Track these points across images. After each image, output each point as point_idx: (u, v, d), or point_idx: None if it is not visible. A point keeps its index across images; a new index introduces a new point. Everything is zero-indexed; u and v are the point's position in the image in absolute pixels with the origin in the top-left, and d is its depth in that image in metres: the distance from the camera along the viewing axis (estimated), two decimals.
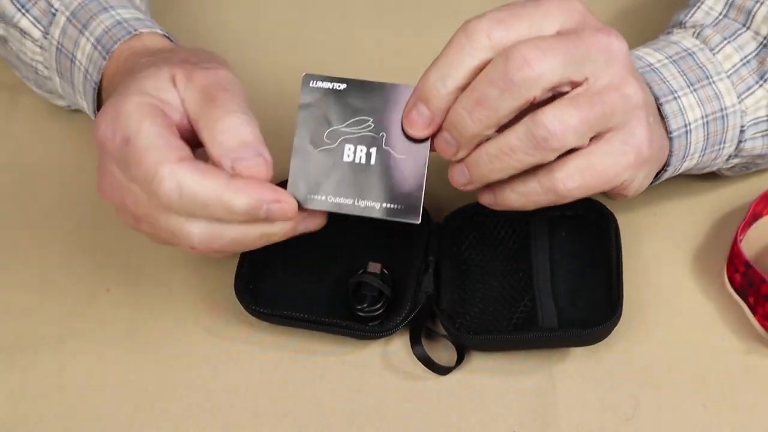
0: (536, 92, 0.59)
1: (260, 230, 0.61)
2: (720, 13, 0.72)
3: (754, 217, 0.74)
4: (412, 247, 0.71)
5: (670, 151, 0.68)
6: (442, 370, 0.68)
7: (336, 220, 0.65)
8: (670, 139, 0.68)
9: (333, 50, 0.86)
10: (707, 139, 0.69)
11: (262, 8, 0.89)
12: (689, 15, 0.72)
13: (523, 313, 0.69)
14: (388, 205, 0.61)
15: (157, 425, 0.66)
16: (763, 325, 0.69)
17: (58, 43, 0.72)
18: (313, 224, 0.64)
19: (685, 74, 0.69)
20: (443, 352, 0.69)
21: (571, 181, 0.61)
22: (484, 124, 0.60)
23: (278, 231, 0.62)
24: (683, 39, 0.71)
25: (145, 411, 0.67)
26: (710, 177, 0.76)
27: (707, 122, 0.69)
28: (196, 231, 0.61)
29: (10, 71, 0.84)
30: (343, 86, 0.62)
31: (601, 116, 0.60)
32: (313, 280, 0.71)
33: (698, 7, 0.72)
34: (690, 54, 0.70)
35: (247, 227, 0.61)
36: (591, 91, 0.60)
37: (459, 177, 0.63)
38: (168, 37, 0.72)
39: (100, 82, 0.70)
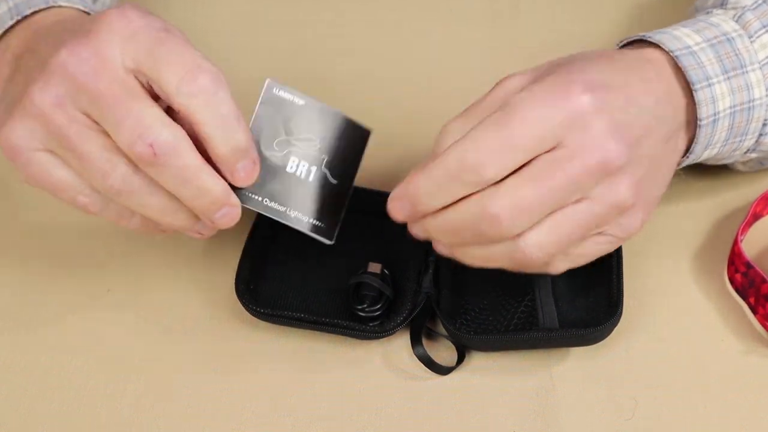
0: (510, 237, 0.60)
1: (203, 181, 0.60)
2: None
3: (755, 217, 0.74)
4: (411, 247, 0.71)
5: (696, 140, 0.67)
6: (442, 370, 0.68)
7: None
8: (699, 127, 0.66)
9: (332, 50, 0.86)
10: (731, 129, 0.68)
11: (257, 9, 0.89)
12: None
13: (524, 313, 0.69)
14: (314, 221, 0.65)
15: (157, 426, 0.66)
16: (763, 326, 0.69)
17: None
18: (229, 217, 0.62)
19: (721, 60, 0.67)
20: (444, 352, 0.69)
21: (537, 254, 0.61)
22: (459, 243, 0.63)
23: (211, 197, 0.61)
24: (723, 22, 0.69)
25: (145, 411, 0.67)
26: (710, 176, 0.76)
27: (734, 112, 0.67)
28: (167, 134, 0.58)
29: None
30: (302, 102, 0.65)
31: (582, 235, 0.62)
32: (313, 280, 0.71)
33: None
34: (729, 39, 0.68)
35: (203, 168, 0.60)
36: (577, 212, 0.60)
37: (441, 250, 0.65)
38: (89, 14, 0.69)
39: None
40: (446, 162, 0.60)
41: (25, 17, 0.67)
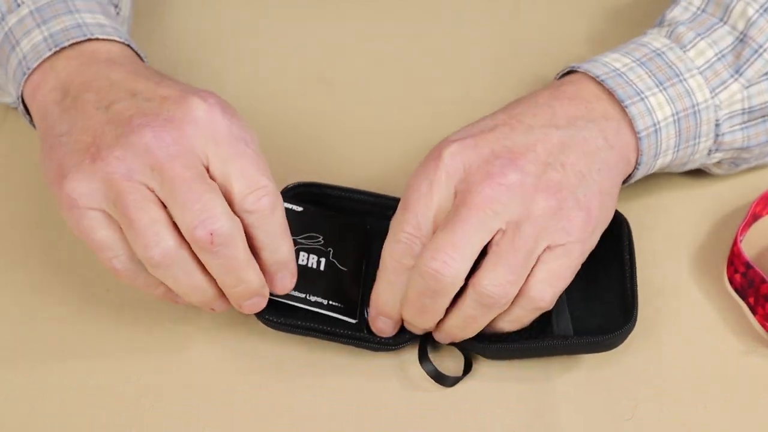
0: (459, 284, 0.64)
1: (245, 274, 0.64)
2: (698, 8, 0.72)
3: (754, 217, 0.74)
4: None
5: (640, 151, 0.68)
6: (448, 382, 0.67)
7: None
8: (639, 139, 0.68)
9: (331, 51, 0.86)
10: (679, 135, 0.70)
11: (259, 10, 0.89)
12: (669, 12, 0.73)
13: (537, 321, 0.68)
14: (333, 303, 0.69)
15: (157, 426, 0.66)
16: (762, 326, 0.69)
17: (9, 29, 0.71)
18: (254, 305, 0.67)
19: (653, 74, 0.69)
20: (450, 362, 0.69)
21: (546, 293, 0.65)
22: (433, 320, 0.66)
23: (247, 285, 0.65)
24: (653, 40, 0.71)
25: (145, 412, 0.67)
26: (709, 177, 0.76)
27: (678, 119, 0.69)
28: (229, 227, 0.62)
29: None
30: (300, 209, 0.71)
31: (528, 252, 0.63)
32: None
33: (678, 2, 0.73)
34: (659, 54, 0.70)
35: (249, 262, 0.64)
36: (508, 237, 0.63)
37: (445, 340, 0.68)
38: (129, 46, 0.71)
39: (34, 70, 0.69)
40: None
41: (63, 48, 0.69)
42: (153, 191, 0.62)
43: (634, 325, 0.66)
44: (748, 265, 0.70)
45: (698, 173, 0.76)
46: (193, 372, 0.69)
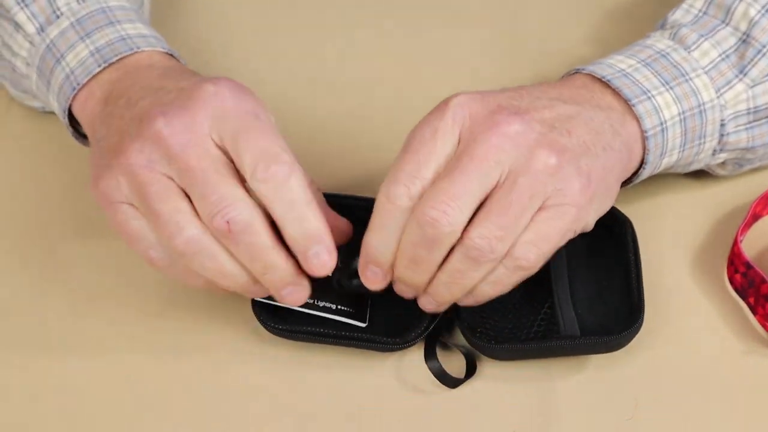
0: (456, 235, 0.62)
1: (273, 259, 0.63)
2: (700, 11, 0.72)
3: (755, 217, 0.74)
4: None
5: (647, 149, 0.68)
6: (452, 383, 0.67)
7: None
8: (646, 138, 0.68)
9: (331, 52, 0.86)
10: (685, 134, 0.70)
11: (261, 10, 0.89)
12: (672, 14, 0.73)
13: (544, 321, 0.68)
14: (342, 307, 0.68)
15: (156, 426, 0.66)
16: (763, 326, 0.69)
17: (51, 42, 0.72)
18: (295, 296, 0.65)
19: (659, 74, 0.69)
20: (453, 364, 0.68)
21: (530, 254, 0.63)
22: (427, 274, 0.64)
23: (279, 274, 0.64)
24: (657, 42, 0.71)
25: (145, 412, 0.67)
26: (709, 177, 0.76)
27: (684, 118, 0.69)
28: (247, 214, 0.62)
29: None
30: None
31: (522, 208, 0.62)
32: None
33: (680, 6, 0.73)
34: (663, 55, 0.70)
35: (273, 247, 0.63)
36: (503, 191, 0.62)
37: (429, 306, 0.67)
38: (171, 54, 0.72)
39: (84, 86, 0.70)
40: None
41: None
42: (175, 181, 0.63)
43: (641, 325, 0.66)
44: (748, 265, 0.70)
45: (698, 173, 0.76)
46: (194, 372, 0.69)
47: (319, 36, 0.87)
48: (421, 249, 0.63)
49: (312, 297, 0.68)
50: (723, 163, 0.74)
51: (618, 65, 0.70)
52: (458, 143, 0.63)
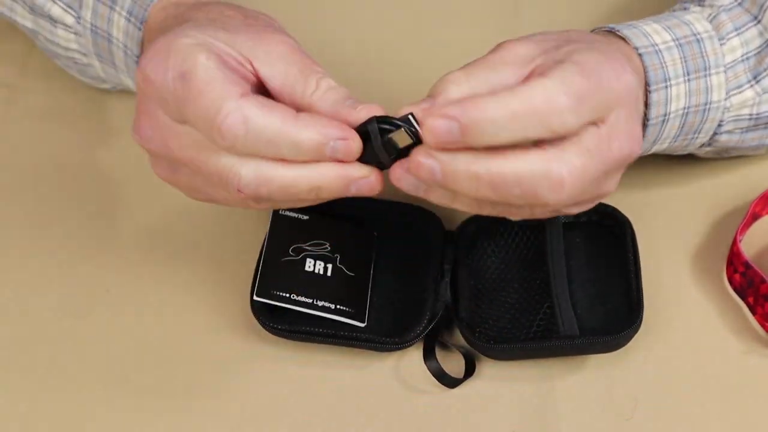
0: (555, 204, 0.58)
1: (310, 180, 0.58)
2: (735, 0, 0.70)
3: (754, 217, 0.74)
4: (427, 257, 0.71)
5: (644, 135, 0.67)
6: (451, 383, 0.67)
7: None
8: (646, 126, 0.67)
9: (331, 51, 0.86)
10: (682, 127, 0.69)
11: (265, 8, 0.89)
12: None
13: (543, 321, 0.68)
14: (341, 307, 0.68)
15: (156, 426, 0.66)
16: (762, 326, 0.69)
17: (92, 25, 0.71)
18: (367, 187, 0.59)
19: (686, 61, 0.67)
20: (452, 363, 0.69)
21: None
22: (488, 196, 0.58)
23: (328, 184, 0.58)
24: (696, 21, 0.69)
25: (145, 413, 0.67)
26: (709, 176, 0.76)
27: (687, 113, 0.68)
28: (245, 172, 0.58)
29: (10, 70, 0.84)
30: (306, 217, 0.72)
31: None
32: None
33: None
34: (699, 40, 0.68)
35: (299, 174, 0.58)
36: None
37: (432, 197, 0.60)
38: None
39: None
40: (532, 97, 0.56)
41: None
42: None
43: (640, 324, 0.66)
44: (747, 265, 0.70)
45: (698, 173, 0.76)
46: (194, 372, 0.69)
47: (316, 34, 0.87)
48: (517, 189, 0.57)
49: (311, 297, 0.68)
50: (703, 152, 0.74)
51: (653, 36, 0.67)
52: (599, 120, 0.60)
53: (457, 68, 0.61)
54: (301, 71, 0.61)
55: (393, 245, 0.72)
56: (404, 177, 0.59)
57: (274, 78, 0.61)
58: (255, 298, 0.68)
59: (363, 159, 0.59)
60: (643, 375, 0.68)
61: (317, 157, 0.58)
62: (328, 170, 0.59)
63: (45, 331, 0.70)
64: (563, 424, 0.66)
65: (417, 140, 0.58)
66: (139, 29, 0.69)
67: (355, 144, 0.58)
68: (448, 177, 0.58)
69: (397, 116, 0.58)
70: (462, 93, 0.59)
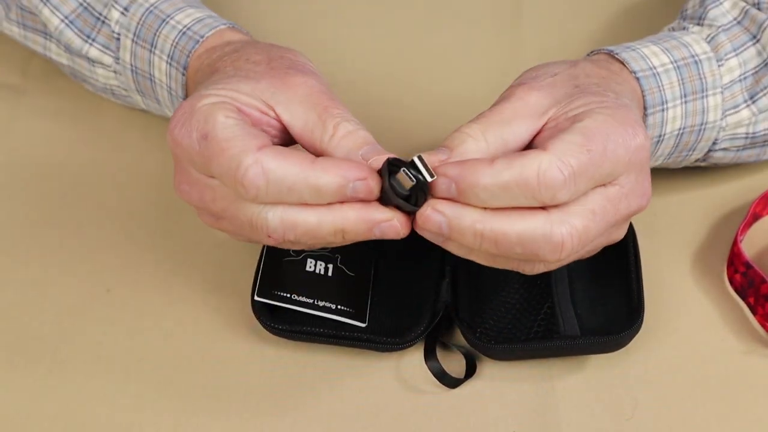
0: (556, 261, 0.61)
1: (334, 224, 0.59)
2: (735, 19, 0.71)
3: (754, 217, 0.74)
4: (427, 257, 0.71)
5: None
6: (452, 383, 0.67)
7: None
8: None
9: (332, 52, 0.86)
10: (676, 146, 0.70)
11: (261, 10, 0.89)
12: (711, 5, 0.71)
13: (544, 321, 0.68)
14: (342, 307, 0.68)
15: (155, 427, 0.66)
16: (763, 326, 0.69)
17: (132, 65, 0.73)
18: (391, 230, 0.61)
19: (683, 84, 0.68)
20: (453, 363, 0.68)
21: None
22: (492, 251, 0.60)
23: (352, 228, 0.60)
24: (695, 43, 0.70)
25: (144, 413, 0.67)
26: (709, 177, 0.76)
27: (682, 133, 0.69)
28: (271, 218, 0.59)
29: (12, 71, 0.84)
30: None
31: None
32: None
33: (719, 4, 0.71)
34: (697, 62, 0.69)
35: (322, 218, 0.59)
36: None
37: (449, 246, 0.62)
38: (234, 27, 0.72)
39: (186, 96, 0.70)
40: (524, 171, 0.58)
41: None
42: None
43: (641, 325, 0.66)
44: (748, 265, 0.70)
45: (699, 174, 0.76)
46: (194, 372, 0.69)
47: (317, 36, 0.87)
48: (519, 248, 0.59)
49: (311, 297, 0.68)
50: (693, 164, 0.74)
51: (652, 59, 0.68)
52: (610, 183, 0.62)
53: (471, 120, 0.62)
54: (319, 116, 0.62)
55: (394, 245, 0.72)
56: (424, 228, 0.61)
57: (295, 123, 0.63)
58: (256, 298, 0.68)
59: (384, 202, 0.60)
60: (643, 375, 0.68)
61: (340, 198, 0.60)
62: (350, 214, 0.60)
63: (45, 331, 0.70)
64: (564, 424, 0.66)
65: (418, 182, 0.59)
66: (183, 74, 0.70)
67: (374, 183, 0.60)
68: (454, 231, 0.60)
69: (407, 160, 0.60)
70: (480, 149, 0.61)
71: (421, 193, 0.60)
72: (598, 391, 0.67)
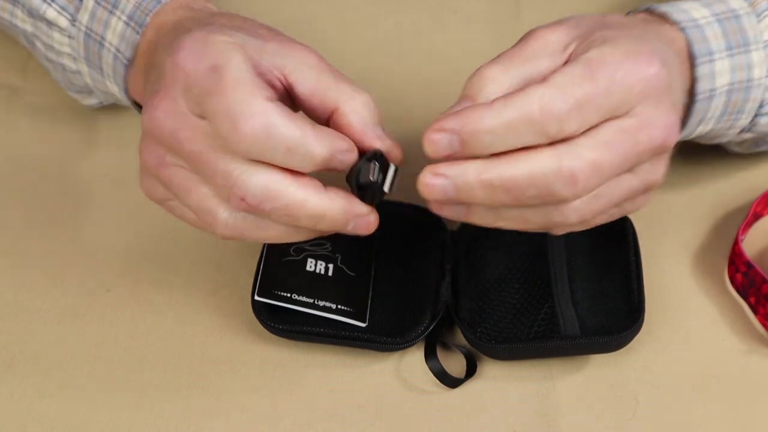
0: (573, 198, 0.59)
1: (317, 206, 0.58)
2: None
3: (755, 217, 0.74)
4: (427, 256, 0.71)
5: (691, 113, 0.66)
6: (453, 383, 0.67)
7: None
8: (694, 102, 0.66)
9: (331, 52, 0.86)
10: (726, 106, 0.68)
11: (260, 9, 0.89)
12: None
13: (544, 320, 0.68)
14: (342, 307, 0.68)
15: (154, 426, 0.66)
16: (764, 325, 0.69)
17: (87, 28, 0.71)
18: (363, 225, 0.60)
19: (726, 36, 0.67)
20: (453, 363, 0.69)
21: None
22: (503, 200, 0.59)
23: (332, 215, 0.59)
24: None
25: (144, 413, 0.67)
26: (710, 176, 0.76)
27: (732, 90, 0.67)
28: (254, 182, 0.58)
29: (11, 70, 0.84)
30: None
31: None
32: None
33: None
34: (736, 16, 0.68)
35: (308, 197, 0.58)
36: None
37: (446, 189, 0.59)
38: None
39: (133, 58, 0.69)
40: (526, 105, 0.57)
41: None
42: (185, 167, 0.60)
43: (641, 325, 0.66)
44: (749, 265, 0.70)
45: (700, 173, 0.76)
46: (194, 372, 0.69)
47: (316, 35, 0.87)
48: (532, 189, 0.58)
49: (312, 297, 0.68)
50: (741, 142, 0.73)
51: (692, 12, 0.67)
52: (624, 114, 0.60)
53: (490, 61, 0.61)
54: (334, 78, 0.61)
55: (394, 245, 0.72)
56: (444, 207, 0.60)
57: (303, 84, 0.61)
58: (256, 298, 0.68)
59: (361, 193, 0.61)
60: (644, 375, 0.68)
61: (324, 167, 0.59)
62: (336, 201, 0.59)
63: (45, 331, 0.70)
64: (564, 424, 0.66)
65: (374, 184, 0.60)
66: (137, 33, 0.69)
67: (354, 156, 0.59)
68: (462, 190, 0.58)
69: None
70: (501, 90, 0.59)
71: (373, 193, 0.60)
72: (598, 390, 0.67)
